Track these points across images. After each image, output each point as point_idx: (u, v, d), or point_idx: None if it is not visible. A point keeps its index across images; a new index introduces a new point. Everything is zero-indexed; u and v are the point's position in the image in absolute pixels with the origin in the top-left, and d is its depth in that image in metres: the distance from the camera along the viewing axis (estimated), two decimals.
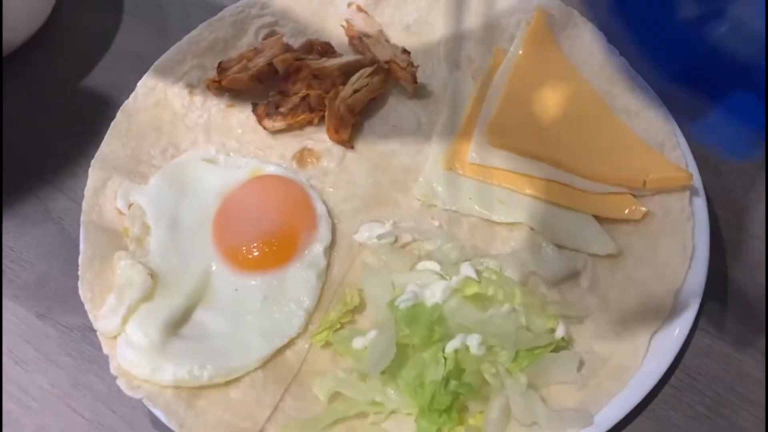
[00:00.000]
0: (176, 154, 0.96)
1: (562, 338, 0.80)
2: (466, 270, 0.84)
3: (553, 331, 0.80)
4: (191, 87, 1.01)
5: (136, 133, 0.96)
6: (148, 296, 0.83)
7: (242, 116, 1.00)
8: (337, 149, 0.97)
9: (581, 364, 0.79)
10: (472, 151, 0.94)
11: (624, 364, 0.79)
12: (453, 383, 0.76)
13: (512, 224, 0.90)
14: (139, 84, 0.99)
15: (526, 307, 0.81)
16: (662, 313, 0.81)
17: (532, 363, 0.78)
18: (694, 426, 0.80)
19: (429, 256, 0.87)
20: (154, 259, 0.86)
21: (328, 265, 0.88)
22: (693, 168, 0.90)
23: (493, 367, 0.77)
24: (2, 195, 0.97)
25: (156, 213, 0.90)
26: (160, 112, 0.99)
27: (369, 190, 0.94)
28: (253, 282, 0.85)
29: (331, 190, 0.94)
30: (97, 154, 0.94)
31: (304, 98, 0.98)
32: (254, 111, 0.99)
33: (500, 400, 0.76)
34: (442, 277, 0.84)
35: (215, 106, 1.01)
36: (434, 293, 0.81)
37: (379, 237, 0.88)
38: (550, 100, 0.97)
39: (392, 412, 0.78)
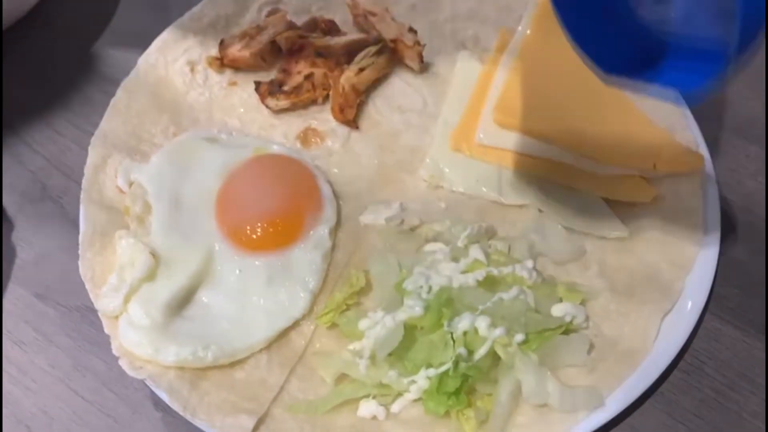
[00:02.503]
0: (177, 132, 0.94)
1: (572, 321, 0.79)
2: (475, 252, 0.82)
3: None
4: (193, 64, 0.99)
5: (136, 111, 0.94)
6: (150, 276, 0.81)
7: (245, 95, 0.98)
8: (342, 129, 0.96)
9: (591, 347, 0.78)
10: (479, 132, 0.92)
11: (634, 347, 0.78)
12: (462, 365, 0.74)
13: (520, 206, 0.89)
14: (139, 61, 0.97)
15: (535, 289, 0.80)
16: (672, 297, 0.81)
17: (542, 345, 0.77)
18: (704, 410, 0.79)
19: (437, 238, 0.85)
20: (156, 238, 0.84)
21: (334, 247, 0.87)
22: (704, 150, 0.89)
23: (506, 344, 0.75)
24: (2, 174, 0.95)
25: (157, 192, 0.88)
26: (161, 90, 0.97)
27: (374, 170, 0.93)
28: (257, 263, 0.83)
29: (336, 170, 0.93)
30: (97, 132, 0.92)
31: (308, 77, 0.97)
32: (257, 89, 0.97)
33: (510, 382, 0.75)
34: (450, 259, 0.82)
35: (217, 84, 0.99)
36: (442, 275, 0.80)
37: (387, 219, 0.87)
38: (559, 81, 0.95)
39: (399, 394, 0.77)
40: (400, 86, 0.99)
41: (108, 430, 0.79)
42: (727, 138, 0.97)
